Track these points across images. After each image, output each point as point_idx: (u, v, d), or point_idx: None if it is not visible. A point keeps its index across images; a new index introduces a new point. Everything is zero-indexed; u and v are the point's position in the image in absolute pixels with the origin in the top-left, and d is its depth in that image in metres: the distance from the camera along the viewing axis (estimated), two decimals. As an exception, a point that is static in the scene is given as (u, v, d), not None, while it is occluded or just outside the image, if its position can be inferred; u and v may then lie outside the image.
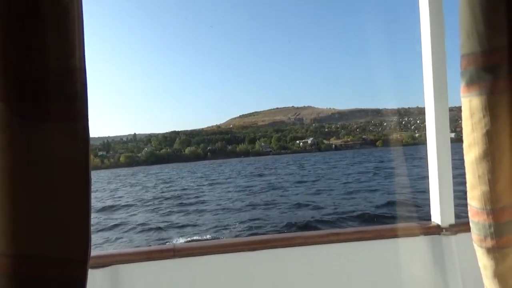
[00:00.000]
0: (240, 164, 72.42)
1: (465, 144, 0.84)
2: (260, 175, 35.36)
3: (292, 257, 1.46)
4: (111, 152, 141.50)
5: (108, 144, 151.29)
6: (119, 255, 1.38)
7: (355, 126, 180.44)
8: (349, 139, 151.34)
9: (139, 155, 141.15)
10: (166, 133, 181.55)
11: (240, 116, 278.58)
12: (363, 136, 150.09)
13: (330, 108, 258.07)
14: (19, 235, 0.61)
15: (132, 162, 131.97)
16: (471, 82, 0.81)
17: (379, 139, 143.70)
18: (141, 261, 1.37)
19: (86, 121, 0.64)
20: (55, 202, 0.62)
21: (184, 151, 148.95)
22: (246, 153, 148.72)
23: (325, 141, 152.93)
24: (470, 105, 0.81)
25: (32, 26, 0.59)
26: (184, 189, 25.36)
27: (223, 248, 1.41)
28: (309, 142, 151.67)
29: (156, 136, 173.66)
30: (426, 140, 1.56)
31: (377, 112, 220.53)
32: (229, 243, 1.43)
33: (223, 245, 1.42)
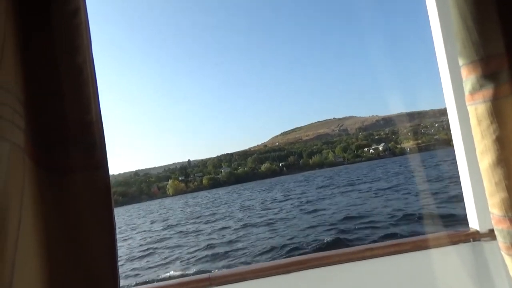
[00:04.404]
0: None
1: (477, 152, 0.84)
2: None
3: (328, 276, 1.45)
4: (191, 176, 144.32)
5: (185, 169, 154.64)
6: None
7: (405, 131, 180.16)
8: (420, 141, 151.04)
9: (219, 176, 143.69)
10: (221, 155, 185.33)
11: (281, 133, 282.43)
12: (435, 137, 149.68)
13: (373, 116, 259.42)
14: None
15: (215, 184, 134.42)
16: (474, 91, 0.82)
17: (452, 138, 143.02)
18: None
19: (106, 169, 0.68)
20: (83, 252, 0.64)
21: (260, 168, 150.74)
22: (320, 165, 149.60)
23: (397, 146, 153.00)
24: (477, 112, 0.82)
25: (50, 84, 0.64)
26: None
27: (257, 273, 1.42)
28: (381, 148, 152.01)
29: (210, 159, 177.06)
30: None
31: (424, 114, 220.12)
32: (263, 267, 1.44)
33: (258, 270, 1.43)
